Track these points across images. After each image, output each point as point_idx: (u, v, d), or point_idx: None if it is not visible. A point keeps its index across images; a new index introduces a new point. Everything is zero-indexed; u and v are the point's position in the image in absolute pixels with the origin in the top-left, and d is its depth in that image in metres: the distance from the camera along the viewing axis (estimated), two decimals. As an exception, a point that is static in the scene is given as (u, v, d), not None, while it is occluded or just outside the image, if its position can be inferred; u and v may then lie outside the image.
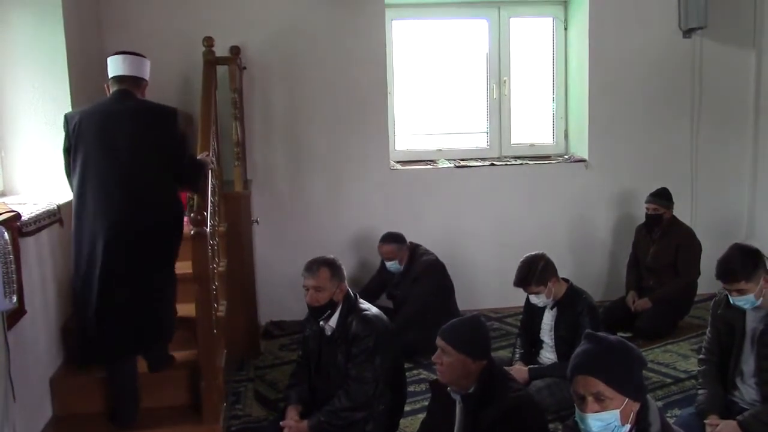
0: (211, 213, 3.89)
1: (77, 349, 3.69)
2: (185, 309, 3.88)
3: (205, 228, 3.53)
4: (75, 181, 3.56)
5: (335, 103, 5.75)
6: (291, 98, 5.70)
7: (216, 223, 4.26)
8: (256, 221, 5.37)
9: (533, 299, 4.19)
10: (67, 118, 3.62)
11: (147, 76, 3.73)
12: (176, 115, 3.64)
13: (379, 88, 5.80)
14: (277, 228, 5.72)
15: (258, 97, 5.64)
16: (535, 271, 4.08)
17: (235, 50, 5.12)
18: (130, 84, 3.64)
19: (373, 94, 5.78)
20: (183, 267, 3.73)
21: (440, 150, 6.28)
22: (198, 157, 3.95)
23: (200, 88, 4.64)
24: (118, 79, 3.64)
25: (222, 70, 5.02)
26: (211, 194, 4.00)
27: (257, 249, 5.52)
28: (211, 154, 4.21)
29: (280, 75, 5.66)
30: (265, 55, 5.58)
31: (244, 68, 5.42)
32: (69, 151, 3.59)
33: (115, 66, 3.65)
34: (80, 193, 3.52)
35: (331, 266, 3.44)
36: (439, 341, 2.95)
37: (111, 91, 3.66)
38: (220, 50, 4.96)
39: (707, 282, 5.16)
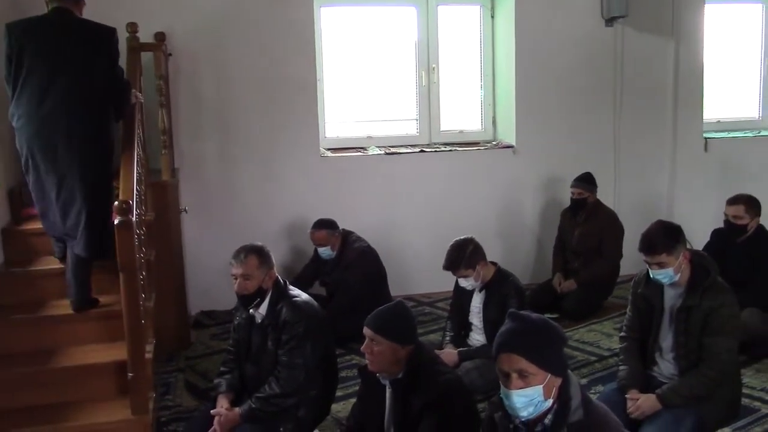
0: (137, 202, 3.84)
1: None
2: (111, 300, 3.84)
3: (131, 217, 3.47)
4: (18, 94, 3.77)
5: (264, 90, 5.69)
6: (219, 85, 5.63)
7: (143, 212, 4.20)
8: (185, 210, 5.28)
9: (462, 282, 4.26)
10: (10, 28, 3.80)
11: None
12: (115, 34, 3.93)
13: (308, 74, 5.77)
14: (206, 217, 5.65)
15: (184, 84, 5.55)
16: (464, 255, 4.15)
17: (160, 36, 5.02)
18: (68, 1, 3.85)
19: (302, 80, 5.75)
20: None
21: (370, 137, 6.30)
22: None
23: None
24: None
25: (147, 57, 4.91)
26: (137, 183, 3.95)
27: (186, 238, 5.45)
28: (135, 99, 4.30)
29: (208, 61, 5.58)
30: (191, 42, 5.49)
31: (170, 55, 5.31)
32: (11, 59, 3.78)
33: None
34: (24, 105, 3.73)
35: (259, 253, 3.42)
36: (367, 331, 2.96)
37: (49, 8, 3.86)
38: (145, 36, 4.85)
39: (630, 263, 5.35)
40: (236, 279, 3.40)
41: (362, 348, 2.98)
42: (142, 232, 4.05)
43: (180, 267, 5.12)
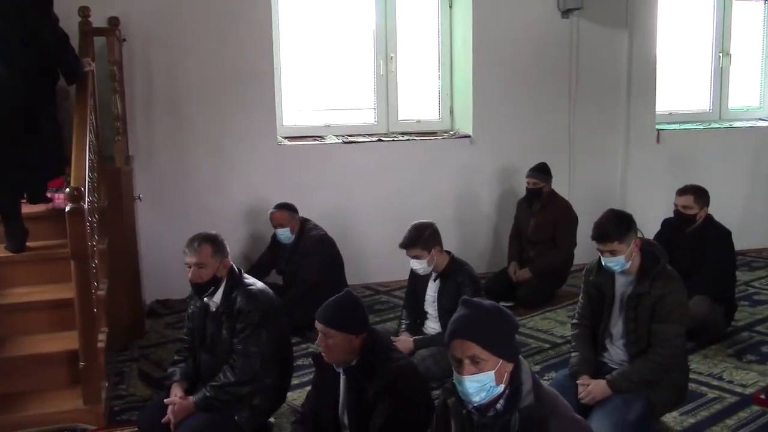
0: (89, 189, 3.79)
1: None
2: (62, 290, 3.79)
3: (82, 204, 3.43)
4: None
5: (220, 77, 5.63)
6: (174, 71, 5.55)
7: (95, 200, 4.13)
8: (139, 198, 5.21)
9: (414, 265, 4.27)
10: None
11: None
12: None
13: (264, 62, 5.72)
14: (161, 205, 5.58)
15: (139, 70, 5.46)
16: (422, 235, 4.18)
17: (114, 21, 4.94)
18: None
19: (259, 68, 5.70)
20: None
21: (328, 126, 6.28)
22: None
23: (76, 60, 4.45)
24: None
25: (100, 42, 4.83)
26: (90, 170, 3.89)
27: (141, 226, 5.37)
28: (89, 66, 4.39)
29: (163, 48, 5.49)
30: (145, 27, 5.39)
31: (124, 40, 5.22)
32: None
33: None
34: None
35: (213, 242, 3.39)
36: (318, 325, 2.96)
37: None
38: (98, 21, 4.77)
39: (584, 252, 5.43)
40: (190, 268, 3.37)
41: (317, 342, 2.99)
42: (95, 220, 3.99)
43: (134, 255, 5.06)
